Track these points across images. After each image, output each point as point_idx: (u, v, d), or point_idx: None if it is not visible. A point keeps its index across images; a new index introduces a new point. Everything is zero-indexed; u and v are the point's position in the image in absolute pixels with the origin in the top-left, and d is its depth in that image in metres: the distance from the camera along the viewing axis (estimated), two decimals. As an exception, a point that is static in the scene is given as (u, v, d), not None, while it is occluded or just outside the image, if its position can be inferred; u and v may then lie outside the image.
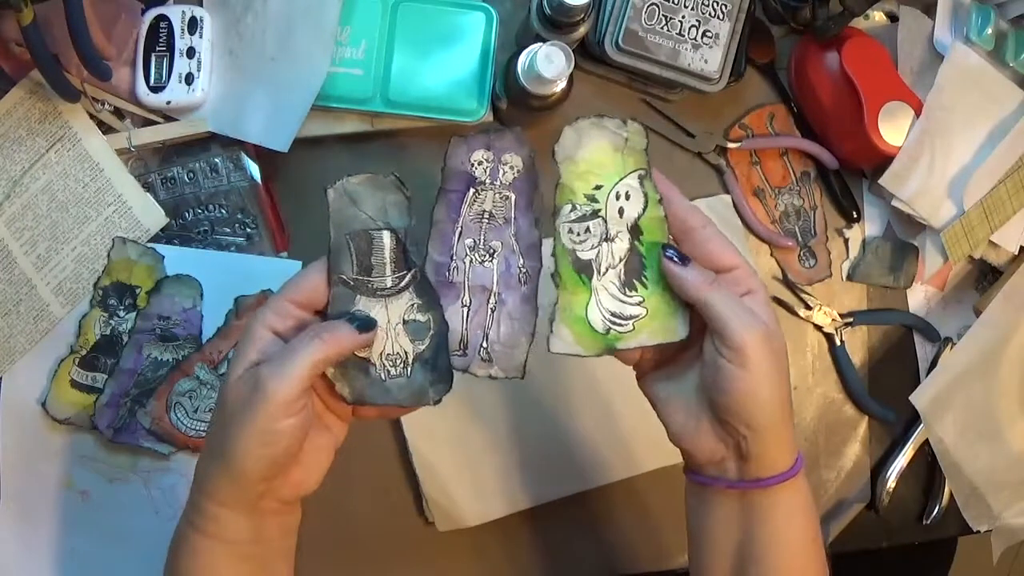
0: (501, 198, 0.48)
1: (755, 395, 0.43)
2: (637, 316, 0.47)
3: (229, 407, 0.41)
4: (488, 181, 0.48)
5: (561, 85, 0.60)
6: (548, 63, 0.57)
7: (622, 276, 0.47)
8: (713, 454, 0.46)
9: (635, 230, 0.48)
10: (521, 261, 0.48)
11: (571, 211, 0.47)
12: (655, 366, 0.49)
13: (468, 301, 0.48)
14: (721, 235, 0.46)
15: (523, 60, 0.59)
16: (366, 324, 0.43)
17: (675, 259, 0.45)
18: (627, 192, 0.48)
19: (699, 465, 0.47)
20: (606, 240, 0.47)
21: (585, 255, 0.47)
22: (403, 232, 0.46)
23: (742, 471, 0.47)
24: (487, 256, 0.48)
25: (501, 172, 0.48)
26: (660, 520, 0.69)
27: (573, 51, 0.68)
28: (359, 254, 0.46)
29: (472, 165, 0.48)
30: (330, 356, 0.41)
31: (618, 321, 0.47)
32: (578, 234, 0.47)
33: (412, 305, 0.46)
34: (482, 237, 0.48)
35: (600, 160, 0.48)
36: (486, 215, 0.48)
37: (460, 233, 0.48)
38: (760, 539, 0.47)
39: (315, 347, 0.41)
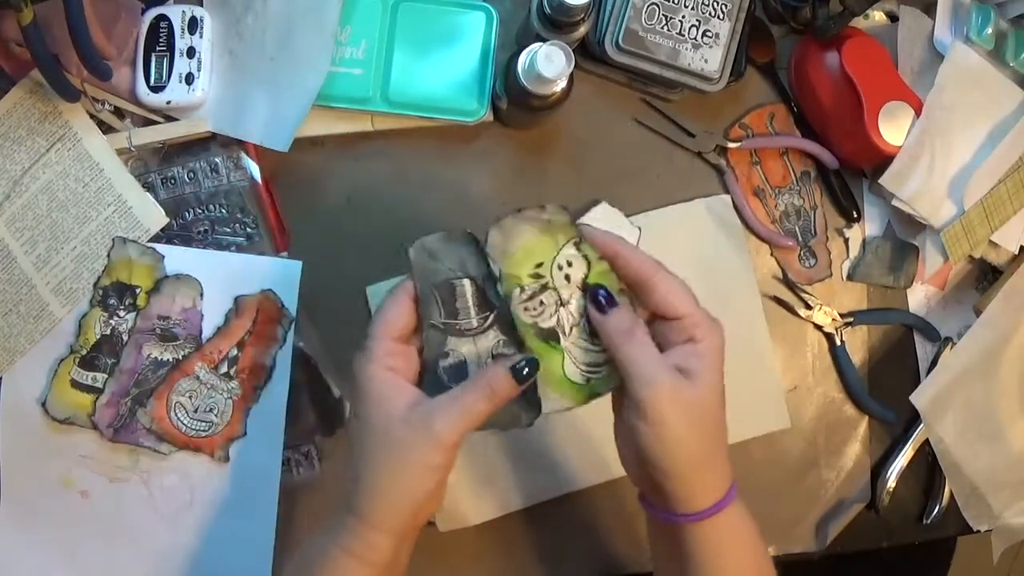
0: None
1: (658, 448, 0.45)
2: (610, 360, 0.50)
3: (391, 443, 0.46)
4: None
5: (561, 85, 0.60)
6: (548, 63, 0.57)
7: (587, 329, 0.50)
8: (644, 486, 0.51)
9: (585, 288, 0.51)
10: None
11: (521, 293, 0.50)
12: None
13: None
14: (675, 281, 0.48)
15: (523, 60, 0.59)
16: (524, 376, 0.47)
17: (602, 302, 0.48)
18: (567, 261, 0.52)
19: (641, 493, 0.51)
20: (561, 305, 0.51)
21: (546, 324, 0.50)
22: (481, 278, 0.51)
23: (668, 505, 0.49)
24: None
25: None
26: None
27: (573, 51, 0.68)
28: (444, 302, 0.51)
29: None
30: (496, 405, 0.46)
31: (594, 369, 0.50)
32: (534, 309, 0.51)
33: (498, 341, 0.51)
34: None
35: (533, 245, 0.51)
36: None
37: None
38: (694, 570, 0.50)
39: (484, 401, 0.46)
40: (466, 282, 0.51)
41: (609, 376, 0.50)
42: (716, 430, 0.48)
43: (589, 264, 0.51)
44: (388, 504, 0.46)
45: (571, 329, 0.51)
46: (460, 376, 0.50)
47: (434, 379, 0.50)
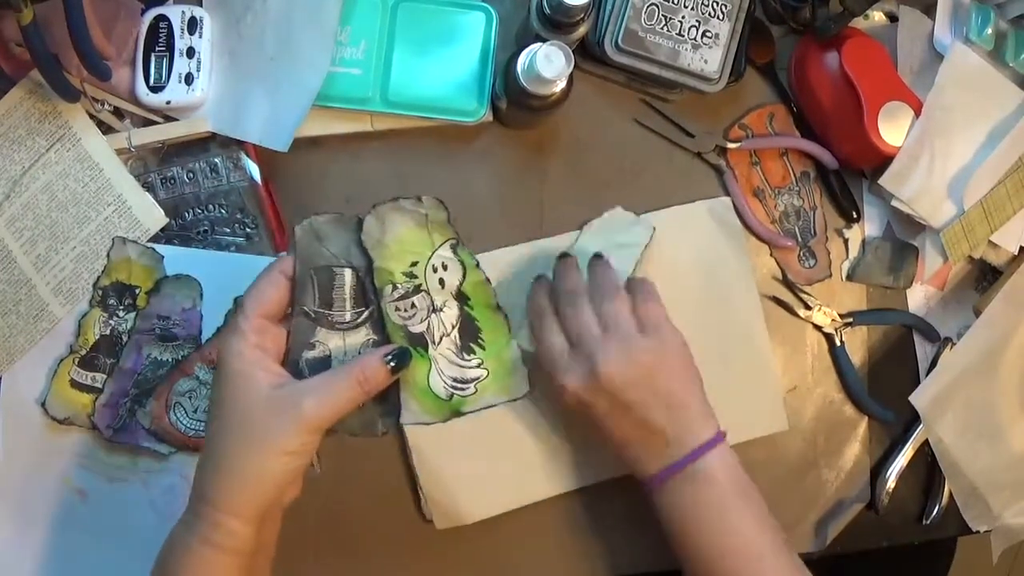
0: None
1: (593, 430, 0.51)
2: (478, 378, 0.50)
3: (251, 424, 0.44)
4: None
5: (561, 85, 0.60)
6: (548, 63, 0.57)
7: (458, 342, 0.49)
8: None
9: (461, 296, 0.50)
10: None
11: (392, 291, 0.49)
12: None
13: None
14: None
15: (523, 60, 0.59)
16: (396, 366, 0.46)
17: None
18: (443, 263, 0.51)
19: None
20: (434, 311, 0.50)
21: (416, 328, 0.49)
22: (363, 270, 0.48)
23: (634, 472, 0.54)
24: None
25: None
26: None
27: (573, 51, 0.68)
28: (321, 289, 0.48)
29: None
30: (366, 395, 0.45)
31: (460, 385, 0.49)
32: (405, 310, 0.49)
33: (368, 340, 0.48)
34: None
35: (408, 239, 0.50)
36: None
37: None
38: (676, 533, 0.53)
39: (354, 388, 0.45)
40: (347, 272, 0.49)
41: (476, 396, 0.49)
42: (639, 404, 0.52)
43: (465, 272, 0.50)
44: (245, 489, 0.44)
45: (441, 339, 0.49)
46: (322, 371, 0.47)
47: (294, 369, 0.48)
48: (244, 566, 0.46)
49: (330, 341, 0.48)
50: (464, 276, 0.51)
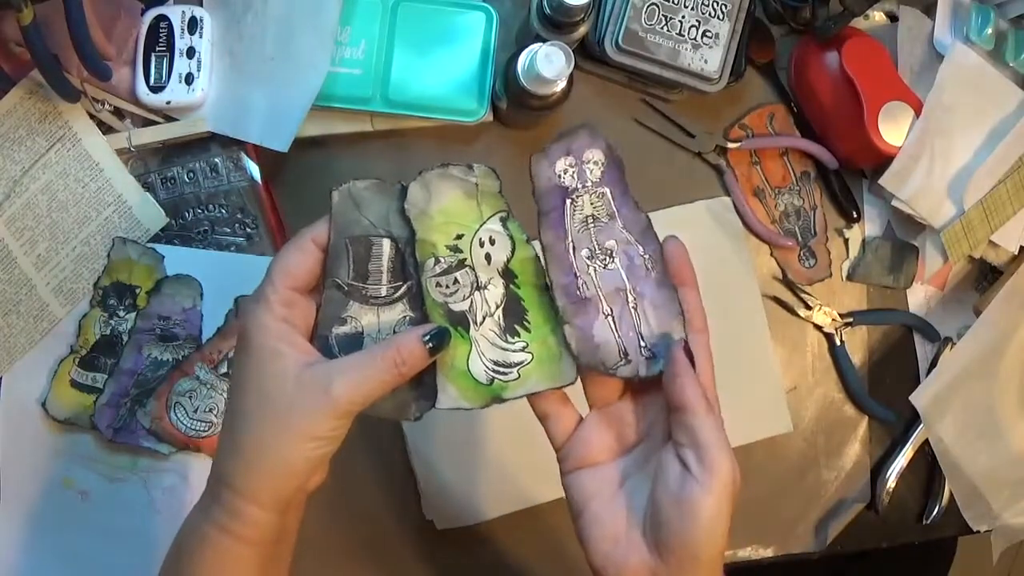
0: (597, 197, 0.47)
1: (708, 522, 0.39)
2: (522, 363, 0.45)
3: (277, 405, 0.40)
4: (580, 185, 0.47)
5: (561, 85, 0.60)
6: (548, 63, 0.57)
7: (501, 323, 0.45)
8: (637, 569, 0.41)
9: (507, 274, 0.46)
10: (641, 249, 0.47)
11: (435, 264, 0.45)
12: (582, 464, 0.45)
13: (609, 310, 0.46)
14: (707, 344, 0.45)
15: (523, 60, 0.59)
16: (439, 345, 0.42)
17: (687, 354, 0.42)
18: (491, 237, 0.47)
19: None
20: (478, 288, 0.45)
21: (458, 307, 0.45)
22: (403, 242, 0.45)
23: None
24: (608, 259, 0.47)
25: (588, 171, 0.47)
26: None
27: (573, 51, 0.68)
28: (357, 260, 0.45)
29: (559, 176, 0.47)
30: (403, 377, 0.41)
31: (502, 370, 0.45)
32: (447, 286, 0.45)
33: (404, 317, 0.45)
34: (595, 243, 0.47)
35: (455, 209, 0.46)
36: (590, 219, 0.47)
37: (573, 248, 0.47)
38: None
39: (390, 370, 0.40)
40: (386, 242, 0.45)
41: (518, 382, 0.44)
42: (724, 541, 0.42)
43: (514, 247, 0.46)
44: (268, 475, 0.41)
45: (483, 319, 0.45)
46: (350, 348, 0.43)
47: (323, 345, 0.44)
48: (265, 555, 0.43)
49: (363, 317, 0.44)
50: (513, 252, 0.46)
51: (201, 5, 0.64)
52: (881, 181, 0.69)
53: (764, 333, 0.71)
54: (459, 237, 0.45)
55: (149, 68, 0.62)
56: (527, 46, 0.59)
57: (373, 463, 0.66)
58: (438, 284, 0.45)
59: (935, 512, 0.74)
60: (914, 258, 0.74)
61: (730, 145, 0.71)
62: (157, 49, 0.63)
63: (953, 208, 0.71)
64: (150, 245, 0.63)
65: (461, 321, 0.45)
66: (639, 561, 0.41)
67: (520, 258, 0.46)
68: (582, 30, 0.63)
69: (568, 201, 0.47)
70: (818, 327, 0.73)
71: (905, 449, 0.73)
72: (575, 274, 0.46)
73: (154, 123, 0.64)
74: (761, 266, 0.72)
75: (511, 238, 0.46)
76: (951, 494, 0.73)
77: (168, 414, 0.63)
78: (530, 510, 0.66)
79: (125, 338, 0.63)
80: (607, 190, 0.47)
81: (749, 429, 0.70)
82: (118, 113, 0.64)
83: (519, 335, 0.46)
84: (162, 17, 0.63)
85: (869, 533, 0.73)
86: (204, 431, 0.63)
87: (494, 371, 0.45)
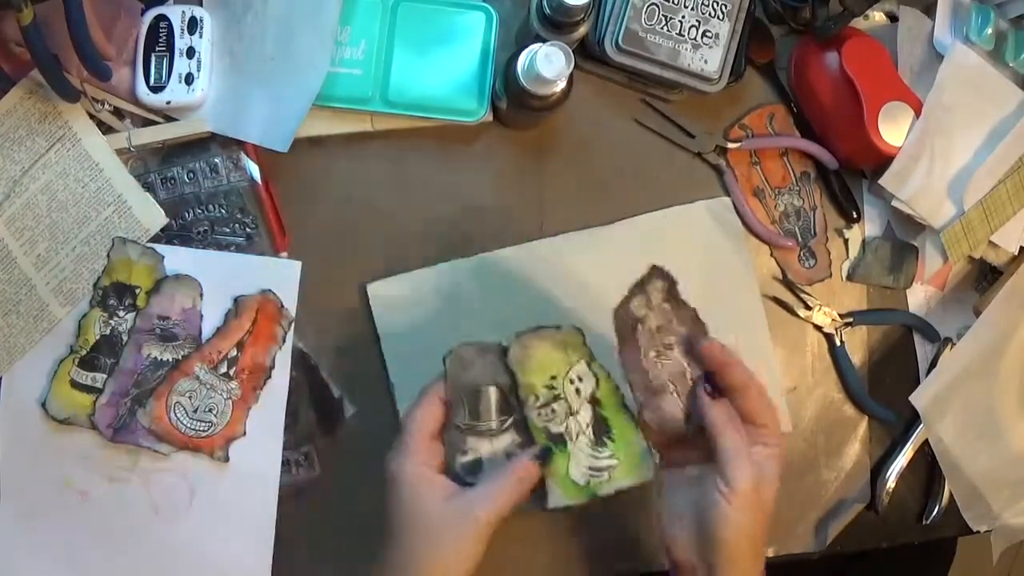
0: (661, 313, 0.60)
1: (727, 529, 0.49)
2: (611, 467, 0.56)
3: (430, 537, 0.50)
4: (648, 312, 0.60)
5: (561, 85, 0.60)
6: (548, 63, 0.57)
7: (592, 438, 0.57)
8: (686, 563, 0.52)
9: (594, 401, 0.58)
10: (687, 335, 0.59)
11: (535, 400, 0.56)
12: (673, 463, 0.56)
13: (674, 387, 0.59)
14: (764, 395, 0.53)
15: (523, 60, 0.59)
16: (545, 459, 0.53)
17: (708, 391, 0.53)
18: (579, 376, 0.58)
19: (675, 568, 0.54)
20: (571, 414, 0.57)
21: (556, 429, 0.56)
22: (506, 386, 0.57)
23: None
24: (670, 351, 0.59)
25: (653, 298, 0.60)
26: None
27: (573, 51, 0.68)
28: (470, 406, 0.56)
29: (633, 312, 0.60)
30: (525, 491, 0.51)
31: (596, 473, 0.56)
32: (546, 415, 0.56)
33: (513, 442, 0.56)
34: (659, 345, 0.59)
35: (548, 359, 0.57)
36: (654, 329, 0.60)
37: (644, 353, 0.59)
38: None
39: (517, 488, 0.51)
40: (492, 389, 0.57)
41: (610, 482, 0.56)
42: (765, 528, 0.52)
43: (598, 381, 0.58)
44: None
45: (577, 436, 0.56)
46: (474, 471, 0.55)
47: (452, 474, 0.55)
48: None
49: (481, 447, 0.55)
50: (597, 385, 0.58)
51: (201, 5, 0.64)
52: (881, 181, 0.69)
53: (764, 333, 0.71)
54: (553, 378, 0.57)
55: (149, 68, 0.62)
56: (527, 46, 0.59)
57: (373, 461, 0.66)
58: (539, 413, 0.57)
59: (935, 512, 0.74)
60: (914, 258, 0.74)
61: (730, 145, 0.71)
62: (157, 49, 0.63)
63: (953, 208, 0.71)
64: (150, 245, 0.63)
65: (560, 440, 0.56)
66: (687, 541, 0.52)
67: (604, 389, 0.58)
68: (582, 30, 0.63)
69: (640, 325, 0.60)
70: (818, 327, 0.73)
71: (905, 449, 0.73)
72: (647, 372, 0.59)
73: (154, 123, 0.64)
74: (761, 266, 0.72)
75: (595, 375, 0.58)
76: (951, 494, 0.73)
77: (168, 414, 0.63)
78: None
79: (125, 338, 0.63)
80: (667, 305, 0.60)
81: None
82: (118, 113, 0.64)
83: (607, 446, 0.57)
84: (162, 17, 0.63)
85: (869, 533, 0.73)
86: (204, 431, 0.63)
87: (590, 475, 0.56)
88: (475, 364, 0.57)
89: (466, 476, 0.55)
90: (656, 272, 0.61)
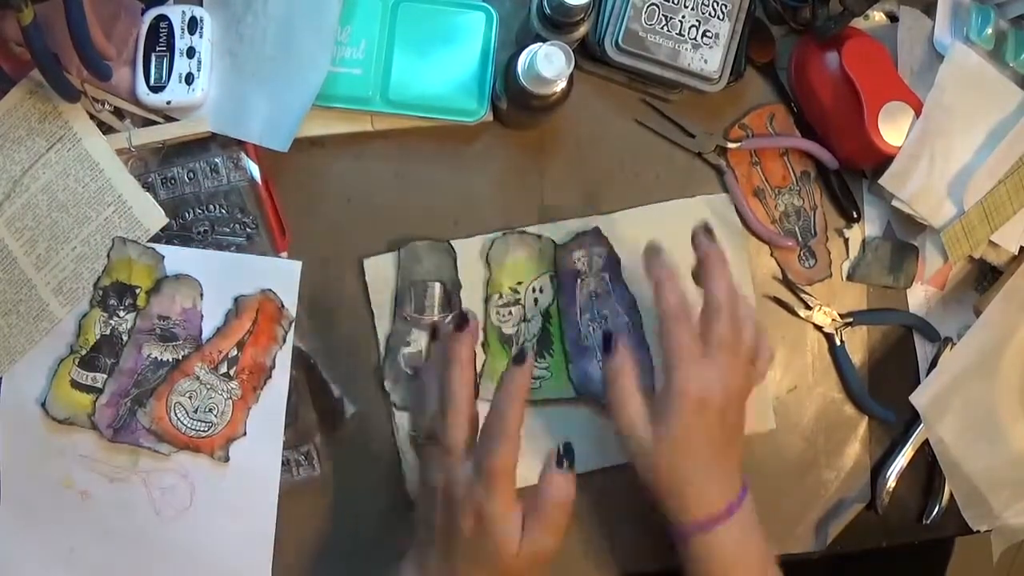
0: (599, 280, 0.67)
1: (646, 475, 0.56)
2: (543, 377, 0.64)
3: (505, 572, 0.52)
4: (587, 270, 0.67)
5: (561, 85, 0.60)
6: (548, 63, 0.57)
7: (535, 348, 0.64)
8: (652, 497, 0.57)
9: (546, 315, 0.65)
10: (627, 319, 0.67)
11: (499, 299, 0.64)
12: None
13: (600, 357, 0.64)
14: (682, 327, 0.57)
15: (523, 60, 0.59)
16: (572, 461, 0.53)
17: (609, 344, 0.58)
18: (541, 288, 0.66)
19: (653, 505, 0.58)
20: (524, 320, 0.65)
21: (507, 330, 0.64)
22: (449, 283, 0.63)
23: (670, 519, 0.57)
24: (603, 323, 0.66)
25: (594, 262, 0.67)
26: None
27: (573, 51, 0.68)
28: (416, 298, 0.62)
29: (575, 262, 0.67)
30: (567, 513, 0.53)
31: (533, 380, 0.62)
32: (503, 316, 0.64)
33: None
34: (595, 310, 0.66)
35: (521, 264, 0.65)
36: (592, 294, 0.66)
37: (580, 312, 0.66)
38: None
39: (564, 511, 0.52)
40: (437, 285, 0.63)
41: (538, 390, 0.62)
42: (697, 456, 0.55)
43: (554, 297, 0.64)
44: None
45: (522, 342, 0.63)
46: (415, 363, 0.61)
47: (393, 362, 0.61)
48: None
49: (422, 340, 0.61)
50: (552, 301, 0.65)
51: (201, 5, 0.64)
52: (881, 181, 0.69)
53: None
54: (519, 283, 0.64)
55: (149, 68, 0.62)
56: (527, 46, 0.59)
57: (373, 460, 0.66)
58: (498, 312, 0.64)
59: (935, 512, 0.74)
60: (914, 258, 0.74)
61: (730, 145, 0.71)
62: (157, 49, 0.63)
63: (953, 208, 0.71)
64: (150, 245, 0.63)
65: (507, 341, 0.63)
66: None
67: (557, 307, 0.65)
68: (582, 30, 0.63)
69: (579, 280, 0.66)
70: (818, 327, 0.73)
71: (905, 449, 0.73)
72: (579, 329, 0.66)
73: (154, 123, 0.64)
74: (761, 266, 0.72)
75: (554, 292, 0.65)
76: (951, 494, 0.74)
77: (168, 414, 0.63)
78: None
79: (125, 338, 0.63)
80: (606, 275, 0.67)
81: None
82: (118, 113, 0.64)
83: (545, 359, 0.65)
84: (162, 17, 0.63)
85: (869, 533, 0.73)
86: (204, 431, 0.63)
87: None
88: (424, 260, 0.63)
89: (406, 367, 0.60)
90: (597, 234, 0.67)
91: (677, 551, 0.58)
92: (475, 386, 0.55)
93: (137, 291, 0.63)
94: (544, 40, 0.59)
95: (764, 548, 0.58)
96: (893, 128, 0.68)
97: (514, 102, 0.63)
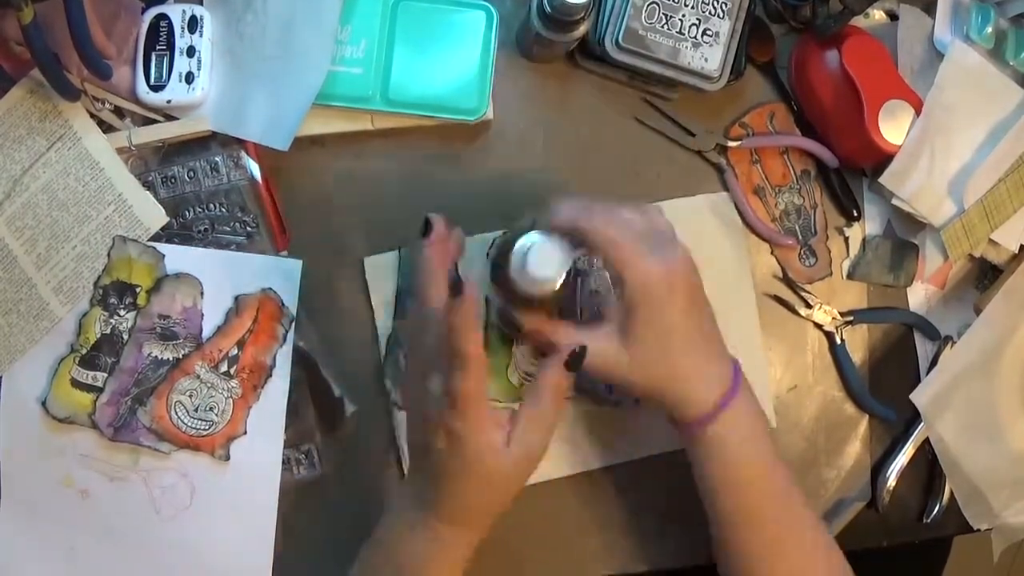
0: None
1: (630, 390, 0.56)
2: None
3: (496, 482, 0.51)
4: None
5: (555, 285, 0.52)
6: (539, 262, 0.50)
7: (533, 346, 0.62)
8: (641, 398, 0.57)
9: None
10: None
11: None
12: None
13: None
14: (612, 235, 0.53)
15: (514, 258, 0.52)
16: (576, 365, 0.52)
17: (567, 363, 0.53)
18: None
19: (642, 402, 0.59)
20: None
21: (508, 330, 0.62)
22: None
23: (669, 416, 0.56)
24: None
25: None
26: (667, 516, 0.69)
27: (573, 50, 0.68)
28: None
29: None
30: (563, 403, 0.53)
31: (528, 378, 0.63)
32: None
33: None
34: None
35: None
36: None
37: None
38: (708, 477, 0.56)
39: (557, 404, 0.52)
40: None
41: None
42: (684, 349, 0.54)
43: None
44: (490, 512, 0.53)
45: (523, 340, 0.62)
46: None
47: (393, 362, 0.62)
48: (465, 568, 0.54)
49: None
50: None
51: (201, 4, 0.64)
52: (881, 180, 0.69)
53: (756, 330, 0.71)
54: None
55: (149, 67, 0.63)
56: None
57: (373, 459, 0.66)
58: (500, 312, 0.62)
59: (935, 511, 0.73)
60: (914, 256, 0.74)
61: (730, 144, 0.71)
62: (157, 48, 0.63)
63: (953, 207, 0.71)
64: (150, 244, 0.63)
65: (509, 340, 0.63)
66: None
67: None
68: (582, 29, 0.63)
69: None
70: (818, 326, 0.73)
71: (905, 448, 0.73)
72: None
73: (154, 122, 0.64)
74: (761, 265, 0.72)
75: None
76: (951, 493, 0.73)
77: (168, 413, 0.63)
78: (535, 506, 0.66)
79: (126, 337, 0.63)
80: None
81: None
82: (118, 112, 0.64)
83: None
84: (162, 16, 0.63)
85: (869, 532, 0.73)
86: (204, 430, 0.63)
87: (524, 378, 0.63)
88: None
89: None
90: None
91: (684, 446, 0.58)
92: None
93: (137, 290, 0.63)
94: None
95: (766, 426, 0.57)
96: (893, 126, 0.68)
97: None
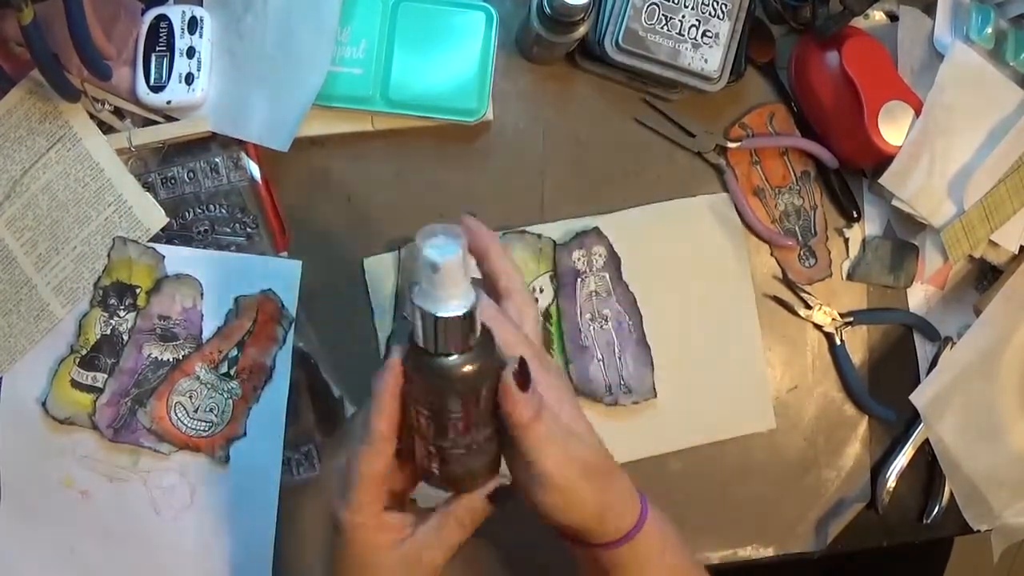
0: (600, 279, 0.67)
1: (558, 515, 0.45)
2: None
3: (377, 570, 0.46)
4: (587, 270, 0.67)
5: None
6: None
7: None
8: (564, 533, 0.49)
9: (545, 315, 0.65)
10: (627, 318, 0.67)
11: None
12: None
13: (600, 357, 0.67)
14: (527, 310, 0.48)
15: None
16: (498, 498, 0.46)
17: (518, 379, 0.42)
18: (540, 287, 0.66)
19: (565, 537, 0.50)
20: None
21: None
22: None
23: (589, 541, 0.48)
24: (603, 322, 0.67)
25: (594, 261, 0.67)
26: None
27: (573, 51, 0.68)
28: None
29: (574, 262, 0.67)
30: (470, 531, 0.47)
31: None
32: None
33: None
34: (595, 310, 0.67)
35: (521, 264, 0.64)
36: (593, 294, 0.67)
37: (580, 312, 0.67)
38: None
39: (461, 532, 0.46)
40: None
41: None
42: (599, 473, 0.46)
43: (555, 299, 0.64)
44: None
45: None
46: None
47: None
48: None
49: None
50: (552, 301, 0.65)
51: (201, 5, 0.64)
52: (881, 180, 0.69)
53: (756, 331, 0.71)
54: None
55: (149, 68, 0.62)
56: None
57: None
58: None
59: (935, 512, 0.74)
60: (914, 257, 0.74)
61: (730, 144, 0.71)
62: (157, 49, 0.63)
63: (953, 207, 0.71)
64: (150, 245, 0.63)
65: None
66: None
67: (557, 307, 0.66)
68: (582, 30, 0.63)
69: (579, 279, 0.67)
70: (818, 327, 0.73)
71: (905, 448, 0.73)
72: (579, 329, 0.66)
73: (154, 123, 0.64)
74: (761, 265, 0.72)
75: (554, 292, 0.65)
76: (951, 493, 0.73)
77: (168, 414, 0.63)
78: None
79: (125, 338, 0.63)
80: (607, 275, 0.67)
81: (733, 425, 0.70)
82: (118, 113, 0.64)
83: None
84: (162, 17, 0.63)
85: (869, 533, 0.73)
86: (204, 431, 0.63)
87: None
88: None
89: None
90: (597, 234, 0.68)
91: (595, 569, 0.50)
92: None
93: (137, 291, 0.63)
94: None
95: (683, 542, 0.52)
96: (893, 127, 0.68)
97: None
